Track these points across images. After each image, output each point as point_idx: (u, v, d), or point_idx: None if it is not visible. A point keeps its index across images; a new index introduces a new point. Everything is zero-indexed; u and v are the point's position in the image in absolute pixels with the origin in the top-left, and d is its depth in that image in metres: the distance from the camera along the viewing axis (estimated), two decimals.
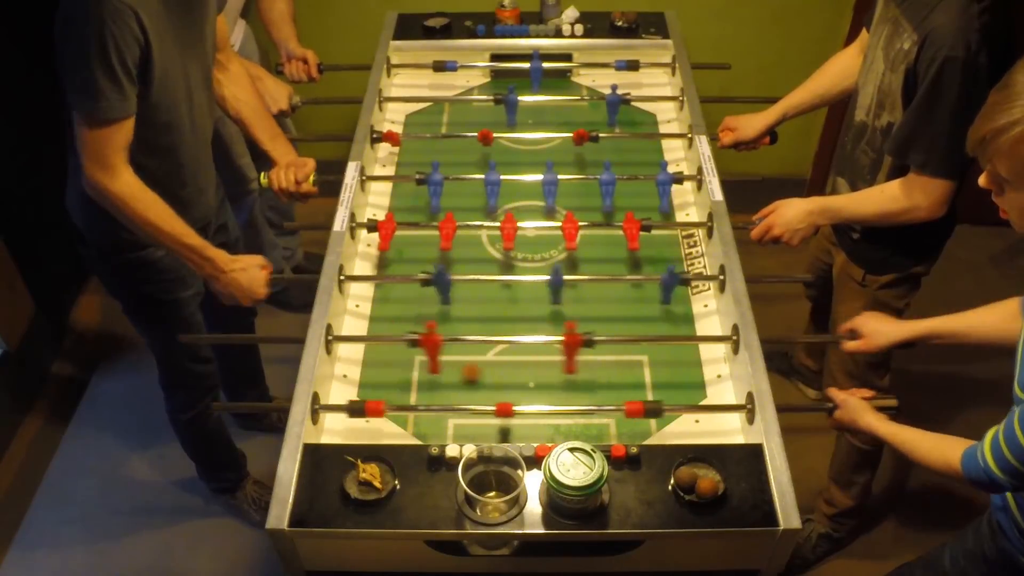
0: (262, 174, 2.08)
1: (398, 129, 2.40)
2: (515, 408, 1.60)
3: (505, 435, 1.65)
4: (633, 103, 2.44)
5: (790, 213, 1.95)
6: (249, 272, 1.88)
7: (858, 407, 1.63)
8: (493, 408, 1.60)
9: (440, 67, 2.46)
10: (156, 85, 1.69)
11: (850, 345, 1.78)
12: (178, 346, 2.10)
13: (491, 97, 2.37)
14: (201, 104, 1.88)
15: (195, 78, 1.82)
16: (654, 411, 1.60)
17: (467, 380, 1.76)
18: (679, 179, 2.09)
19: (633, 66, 2.48)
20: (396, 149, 2.32)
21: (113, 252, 1.91)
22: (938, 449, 1.47)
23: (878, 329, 1.73)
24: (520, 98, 2.34)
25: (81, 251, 1.97)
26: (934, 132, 1.71)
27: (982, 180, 1.32)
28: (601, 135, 2.24)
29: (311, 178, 2.06)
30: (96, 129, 1.63)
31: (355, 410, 1.61)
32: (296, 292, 2.97)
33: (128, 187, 1.71)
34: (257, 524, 2.48)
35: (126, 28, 1.57)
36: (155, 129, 1.76)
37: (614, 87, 2.34)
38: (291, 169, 2.06)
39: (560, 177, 2.10)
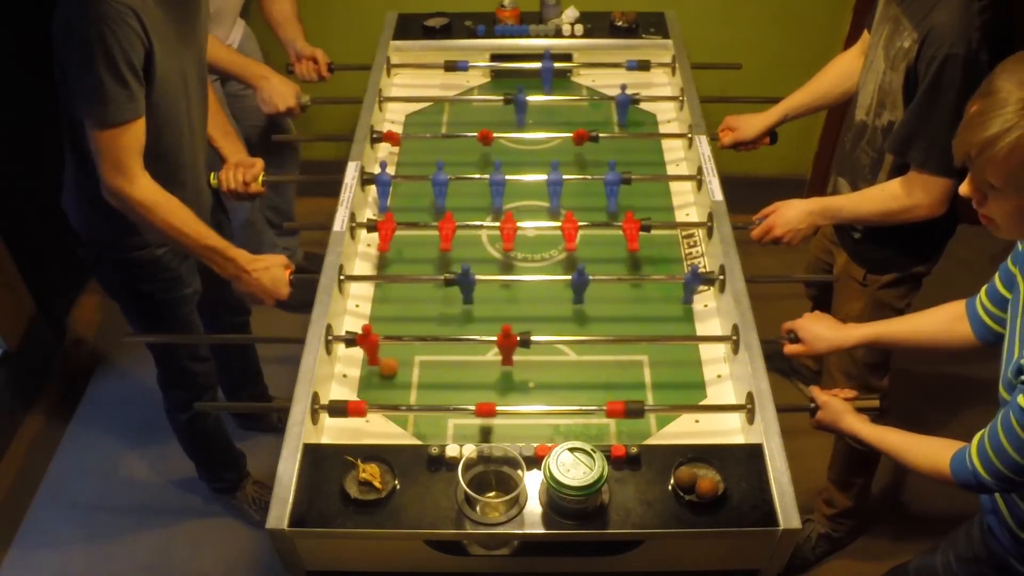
0: (212, 175, 2.08)
1: (398, 129, 2.40)
2: (498, 408, 1.61)
3: (505, 435, 1.65)
4: (633, 103, 2.44)
5: (790, 213, 1.95)
6: (272, 271, 1.88)
7: (839, 408, 1.61)
8: (473, 408, 1.61)
9: (452, 67, 2.46)
10: (157, 85, 1.69)
11: (791, 349, 1.76)
12: (176, 345, 2.10)
13: (501, 97, 2.36)
14: (198, 103, 1.87)
15: (191, 77, 1.82)
16: (636, 411, 1.60)
17: (385, 376, 1.76)
18: (627, 180, 2.08)
19: (644, 66, 2.48)
20: (396, 149, 2.32)
21: (111, 252, 1.91)
22: (926, 453, 1.46)
23: (819, 335, 1.71)
24: (548, 97, 2.37)
25: (79, 252, 1.97)
26: (935, 130, 1.71)
27: (964, 189, 1.30)
28: (602, 135, 2.25)
29: (259, 179, 2.07)
30: (109, 133, 1.62)
31: (336, 410, 1.61)
32: (296, 292, 2.97)
33: (150, 193, 1.71)
34: (257, 524, 2.48)
35: (128, 28, 1.56)
36: (156, 130, 1.76)
37: (623, 87, 2.34)
38: (239, 169, 2.07)
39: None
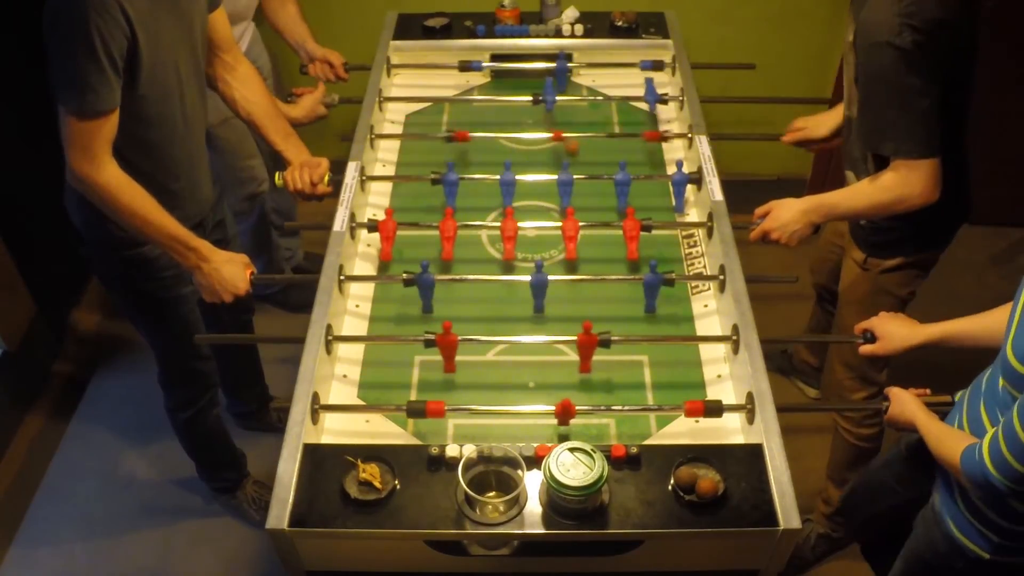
0: (277, 175, 2.08)
1: (398, 129, 2.40)
2: (577, 408, 1.60)
3: (505, 435, 1.65)
4: (633, 103, 2.44)
5: (786, 216, 1.95)
6: (232, 267, 1.88)
7: (908, 399, 1.61)
8: (552, 409, 1.60)
9: (466, 67, 2.46)
10: (144, 77, 1.70)
11: (866, 349, 1.77)
12: (178, 343, 2.10)
13: (529, 97, 2.36)
14: (192, 97, 1.87)
15: (185, 71, 1.82)
16: (715, 410, 1.60)
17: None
18: (694, 179, 2.07)
19: (659, 66, 2.48)
20: (395, 148, 2.33)
21: (112, 250, 1.91)
22: (948, 443, 1.46)
23: (892, 332, 1.73)
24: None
25: (81, 251, 1.97)
26: (891, 118, 1.74)
27: None
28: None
29: (326, 178, 2.07)
30: (84, 122, 1.64)
31: (415, 411, 1.61)
32: (296, 292, 2.98)
33: (114, 179, 1.71)
34: (257, 524, 2.48)
35: (111, 20, 1.58)
36: (146, 123, 1.77)
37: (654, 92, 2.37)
38: (305, 170, 2.06)
39: (574, 177, 2.10)
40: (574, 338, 1.69)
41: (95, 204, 1.76)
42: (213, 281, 1.87)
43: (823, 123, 2.27)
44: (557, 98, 2.43)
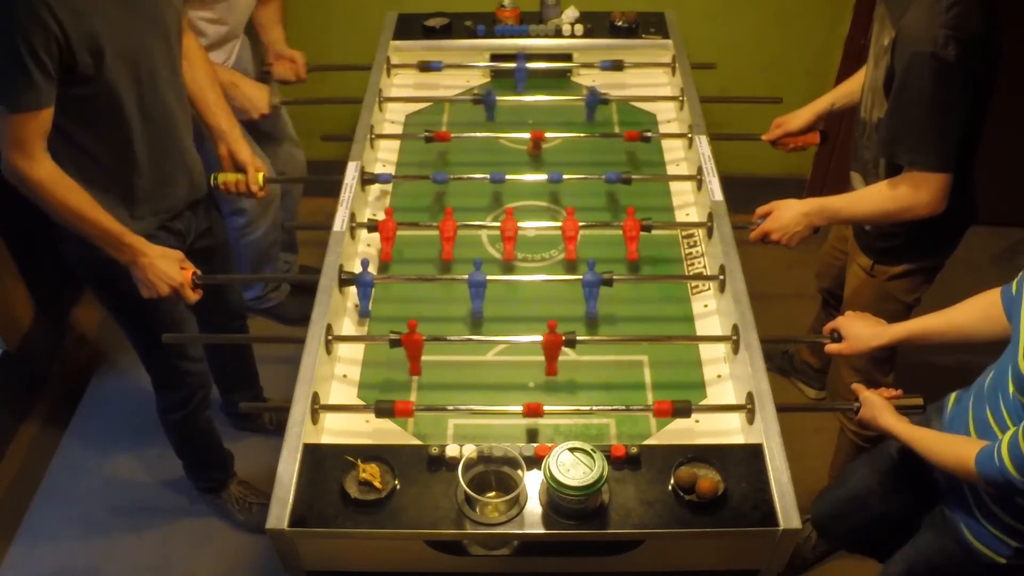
0: (212, 175, 2.08)
1: (398, 129, 2.40)
2: (546, 408, 1.60)
3: (505, 435, 1.65)
4: (633, 103, 2.44)
5: (787, 216, 1.95)
6: (167, 260, 1.86)
7: (879, 405, 1.62)
8: (520, 409, 1.60)
9: (425, 67, 2.47)
10: (84, 76, 1.67)
11: (832, 348, 1.77)
12: (165, 345, 2.07)
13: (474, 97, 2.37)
14: (160, 90, 1.83)
15: (158, 62, 1.79)
16: (683, 411, 1.60)
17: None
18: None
19: (618, 66, 2.49)
20: (396, 149, 2.32)
21: (89, 248, 1.86)
22: (953, 448, 1.47)
23: (858, 333, 1.72)
24: (522, 98, 2.37)
25: (62, 250, 1.95)
26: (918, 128, 1.73)
27: None
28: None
29: (260, 177, 2.07)
30: (15, 115, 1.62)
31: (383, 410, 1.61)
32: (292, 306, 2.99)
33: (49, 174, 1.70)
34: (241, 524, 2.48)
35: (36, 21, 1.56)
36: (100, 117, 1.75)
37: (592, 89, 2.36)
38: (242, 177, 2.06)
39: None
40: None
41: (30, 199, 1.74)
42: (149, 274, 1.85)
43: (797, 116, 2.27)
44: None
